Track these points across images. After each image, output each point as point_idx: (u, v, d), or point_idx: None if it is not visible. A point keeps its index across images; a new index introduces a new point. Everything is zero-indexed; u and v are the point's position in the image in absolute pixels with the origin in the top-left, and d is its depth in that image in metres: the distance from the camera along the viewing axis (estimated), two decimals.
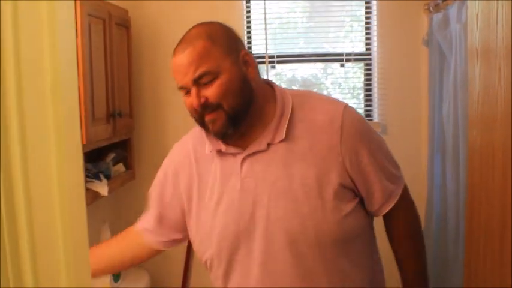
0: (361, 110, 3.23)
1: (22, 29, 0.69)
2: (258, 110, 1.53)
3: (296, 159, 1.50)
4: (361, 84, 3.28)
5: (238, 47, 1.54)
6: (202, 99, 1.47)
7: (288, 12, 3.26)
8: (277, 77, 3.37)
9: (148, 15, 3.11)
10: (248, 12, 3.18)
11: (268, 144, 1.51)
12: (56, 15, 0.74)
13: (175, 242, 1.82)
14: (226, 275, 1.61)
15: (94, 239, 2.71)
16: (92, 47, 2.34)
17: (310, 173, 1.48)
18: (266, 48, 3.10)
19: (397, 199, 1.58)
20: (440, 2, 2.62)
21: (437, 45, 2.72)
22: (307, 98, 1.60)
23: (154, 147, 3.20)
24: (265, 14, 3.09)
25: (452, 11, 2.43)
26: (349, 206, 1.51)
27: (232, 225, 1.54)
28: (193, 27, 1.63)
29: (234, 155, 1.55)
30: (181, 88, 1.56)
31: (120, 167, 2.83)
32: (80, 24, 2.21)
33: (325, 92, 3.34)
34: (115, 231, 2.99)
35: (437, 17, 2.64)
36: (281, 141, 1.50)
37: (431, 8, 2.76)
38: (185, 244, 3.16)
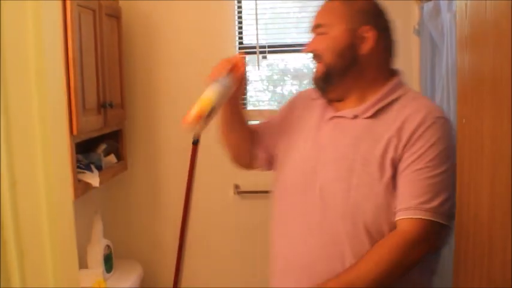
0: None
1: (5, 20, 0.68)
2: (361, 83, 1.69)
3: (369, 137, 1.62)
4: None
5: (366, 21, 1.67)
6: (311, 47, 1.71)
7: (280, 3, 3.24)
8: (270, 67, 3.36)
9: (139, 6, 3.10)
10: (239, 2, 3.17)
11: (355, 116, 1.66)
12: (41, 5, 0.74)
13: (254, 157, 2.03)
14: (281, 213, 1.84)
15: (86, 230, 2.71)
16: (82, 37, 2.33)
17: (375, 152, 1.59)
18: (257, 38, 3.09)
19: (409, 217, 1.56)
20: None
21: (428, 34, 2.71)
22: (423, 98, 1.72)
23: (146, 138, 3.19)
24: (256, 3, 3.08)
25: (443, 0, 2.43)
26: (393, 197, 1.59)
27: (298, 171, 1.75)
28: None
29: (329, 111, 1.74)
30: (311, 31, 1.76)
31: (112, 158, 2.83)
32: (70, 15, 2.19)
33: None
34: (107, 222, 3.00)
35: (428, 6, 2.64)
36: (367, 117, 1.65)
37: None
38: (177, 236, 3.17)
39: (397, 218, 1.58)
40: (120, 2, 2.89)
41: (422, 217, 1.55)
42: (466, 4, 1.32)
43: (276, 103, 3.37)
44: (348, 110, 1.69)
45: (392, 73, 1.74)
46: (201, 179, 3.19)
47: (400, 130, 1.60)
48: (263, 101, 3.37)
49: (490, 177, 1.18)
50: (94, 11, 2.47)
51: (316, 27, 1.70)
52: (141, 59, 3.14)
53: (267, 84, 3.40)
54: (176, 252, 3.18)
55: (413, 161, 1.57)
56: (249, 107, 3.29)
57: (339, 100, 1.73)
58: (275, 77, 3.38)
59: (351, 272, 1.56)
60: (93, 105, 2.45)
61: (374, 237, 1.59)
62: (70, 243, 0.81)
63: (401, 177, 1.59)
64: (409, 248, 1.56)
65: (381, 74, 1.71)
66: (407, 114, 1.62)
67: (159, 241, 3.25)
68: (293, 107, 1.92)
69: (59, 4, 0.67)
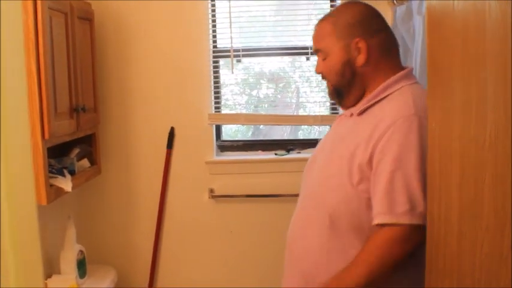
0: (329, 104, 3.24)
1: None
2: (364, 88, 1.83)
3: (353, 133, 1.77)
4: None
5: (355, 33, 1.79)
6: (319, 70, 1.90)
7: (255, 5, 3.23)
8: (245, 71, 3.36)
9: (112, 9, 3.07)
10: (213, 5, 3.16)
11: (352, 114, 1.83)
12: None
13: None
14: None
15: (59, 235, 2.68)
16: (54, 41, 2.30)
17: (350, 147, 1.72)
18: (231, 42, 3.08)
19: (383, 222, 1.62)
20: None
21: (400, 37, 2.73)
22: (405, 95, 1.75)
23: (120, 142, 3.16)
24: (229, 6, 3.07)
25: (415, 2, 2.45)
26: (358, 190, 1.70)
27: (312, 156, 1.97)
28: (336, 7, 2.04)
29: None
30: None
31: (85, 163, 2.80)
32: (41, 18, 2.16)
33: (293, 86, 3.34)
34: (80, 227, 2.97)
35: (401, 9, 2.66)
36: (357, 115, 1.80)
37: (395, 1, 2.78)
38: (151, 240, 3.16)
39: (373, 223, 1.65)
40: (93, 5, 2.87)
41: (395, 222, 1.60)
42: (434, 7, 1.33)
43: (252, 106, 3.36)
44: (350, 110, 1.86)
45: (396, 71, 1.81)
46: (175, 183, 3.20)
47: (371, 133, 1.68)
48: (240, 104, 3.37)
49: (459, 181, 1.19)
50: (66, 14, 2.44)
51: (317, 52, 1.89)
52: (114, 62, 3.11)
53: (243, 87, 3.39)
54: (151, 256, 3.17)
55: (379, 163, 1.64)
56: (225, 111, 3.28)
57: (355, 105, 1.85)
58: (251, 80, 3.38)
59: (343, 272, 1.67)
60: (65, 109, 2.42)
61: (336, 226, 1.72)
62: (34, 248, 0.80)
63: (372, 179, 1.66)
64: (389, 248, 1.62)
65: (382, 74, 1.81)
66: (383, 113, 1.71)
67: (133, 246, 3.23)
68: None
69: (19, 5, 0.66)
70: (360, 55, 1.78)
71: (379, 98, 1.77)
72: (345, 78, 1.82)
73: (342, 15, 1.84)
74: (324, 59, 1.85)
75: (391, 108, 1.71)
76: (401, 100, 1.72)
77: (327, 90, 1.95)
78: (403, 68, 1.84)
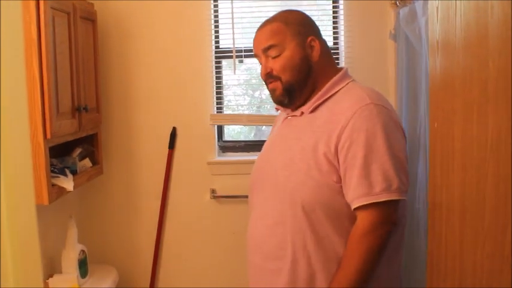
0: None
1: None
2: (313, 87, 1.88)
3: (309, 129, 1.81)
4: None
5: (307, 32, 1.87)
6: (268, 69, 1.88)
7: (258, 6, 3.23)
8: (248, 71, 3.36)
9: (115, 9, 3.07)
10: (216, 6, 3.16)
11: (302, 113, 1.88)
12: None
13: None
14: (250, 206, 2.03)
15: (60, 235, 2.68)
16: (56, 40, 2.30)
17: (311, 142, 1.77)
18: (234, 42, 3.08)
19: (363, 203, 1.69)
20: None
21: (404, 39, 2.73)
22: (355, 89, 1.84)
23: (122, 142, 3.16)
24: (232, 7, 3.07)
25: (419, 4, 2.44)
26: (328, 179, 1.74)
27: (256, 167, 2.01)
28: (278, 12, 1.97)
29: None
30: (255, 57, 1.96)
31: (87, 162, 2.80)
32: (43, 18, 2.16)
33: None
34: (82, 227, 2.97)
35: (404, 11, 2.66)
36: (310, 112, 1.85)
37: (397, 3, 2.78)
38: (153, 240, 3.16)
39: (353, 207, 1.71)
40: (96, 5, 2.87)
41: (375, 200, 1.67)
42: (437, 8, 1.33)
43: (254, 107, 3.36)
44: (299, 109, 1.90)
45: (337, 70, 1.92)
46: (177, 183, 3.20)
47: (331, 125, 1.75)
48: (242, 105, 3.37)
49: (461, 180, 1.19)
50: (68, 14, 2.45)
51: (268, 49, 1.86)
52: (116, 62, 3.11)
53: (246, 88, 3.39)
54: (152, 256, 3.17)
55: (348, 150, 1.70)
56: (227, 112, 3.28)
57: (302, 105, 1.90)
58: (253, 81, 3.37)
59: (338, 272, 1.71)
60: (67, 108, 2.42)
61: (310, 217, 1.76)
62: (33, 249, 0.80)
63: (343, 167, 1.72)
64: (373, 232, 1.68)
65: (328, 73, 1.89)
66: (339, 107, 1.78)
67: (135, 246, 3.23)
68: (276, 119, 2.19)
69: (19, 4, 0.66)
70: (315, 51, 1.86)
71: (329, 95, 1.85)
72: (301, 74, 1.85)
73: (290, 16, 1.90)
74: (277, 56, 1.85)
75: (347, 101, 1.78)
76: (354, 94, 1.80)
77: (271, 95, 1.93)
78: (341, 68, 1.94)
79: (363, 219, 1.69)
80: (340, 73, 1.89)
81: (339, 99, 1.83)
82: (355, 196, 1.69)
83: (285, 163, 1.84)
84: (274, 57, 1.86)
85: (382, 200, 1.67)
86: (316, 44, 1.87)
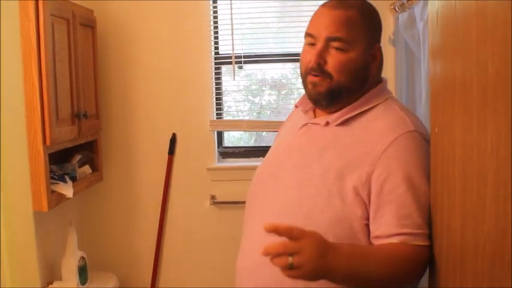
0: None
1: None
2: (358, 97, 1.59)
3: (335, 147, 1.54)
4: None
5: (377, 37, 1.62)
6: (322, 61, 1.54)
7: (258, 12, 3.24)
8: (248, 77, 3.36)
9: (114, 15, 3.07)
10: (215, 12, 3.16)
11: (327, 123, 1.59)
12: None
13: None
14: (247, 210, 1.72)
15: (60, 241, 2.67)
16: (56, 47, 2.30)
17: (336, 164, 1.50)
18: (233, 48, 3.08)
19: (413, 243, 1.43)
20: (405, 1, 2.64)
21: (403, 44, 2.73)
22: (395, 109, 1.58)
23: (122, 148, 3.16)
24: (231, 13, 3.07)
25: (417, 9, 2.44)
26: (350, 213, 1.46)
27: (261, 172, 1.71)
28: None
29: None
30: (309, 35, 1.59)
31: (87, 169, 2.80)
32: (43, 24, 2.17)
33: (295, 93, 3.33)
34: (81, 233, 2.96)
35: (403, 16, 2.66)
36: (337, 125, 1.57)
37: (397, 8, 2.77)
38: (153, 246, 3.15)
39: (393, 241, 1.43)
40: (95, 12, 2.87)
41: (419, 243, 1.43)
42: (437, 13, 1.33)
43: (255, 113, 3.36)
44: (323, 116, 1.62)
45: (378, 80, 1.66)
46: (177, 189, 3.19)
47: (362, 145, 1.51)
48: (242, 111, 3.36)
49: (461, 185, 1.19)
50: (68, 20, 2.45)
51: (334, 40, 1.53)
52: (116, 68, 3.12)
53: (246, 94, 3.39)
54: (152, 263, 3.16)
55: (386, 182, 1.45)
56: (228, 117, 3.28)
57: (333, 112, 1.62)
58: (253, 87, 3.37)
59: (351, 256, 1.37)
60: (67, 115, 2.42)
61: None
62: (30, 256, 0.80)
63: (375, 202, 1.46)
64: (413, 264, 1.43)
65: (369, 86, 1.62)
66: (375, 126, 1.54)
67: (135, 252, 3.22)
68: (287, 119, 1.91)
69: (16, 12, 0.65)
70: (375, 63, 1.61)
71: (364, 109, 1.58)
72: (355, 83, 1.57)
73: (369, 13, 1.61)
74: (340, 51, 1.53)
75: (386, 121, 1.54)
76: (396, 115, 1.56)
77: (308, 87, 1.61)
78: (380, 79, 1.68)
79: (400, 251, 1.42)
80: (380, 85, 1.63)
81: (375, 116, 1.56)
82: (392, 232, 1.42)
83: (300, 182, 1.54)
84: (336, 50, 1.53)
85: (425, 244, 1.43)
86: (379, 56, 1.61)
